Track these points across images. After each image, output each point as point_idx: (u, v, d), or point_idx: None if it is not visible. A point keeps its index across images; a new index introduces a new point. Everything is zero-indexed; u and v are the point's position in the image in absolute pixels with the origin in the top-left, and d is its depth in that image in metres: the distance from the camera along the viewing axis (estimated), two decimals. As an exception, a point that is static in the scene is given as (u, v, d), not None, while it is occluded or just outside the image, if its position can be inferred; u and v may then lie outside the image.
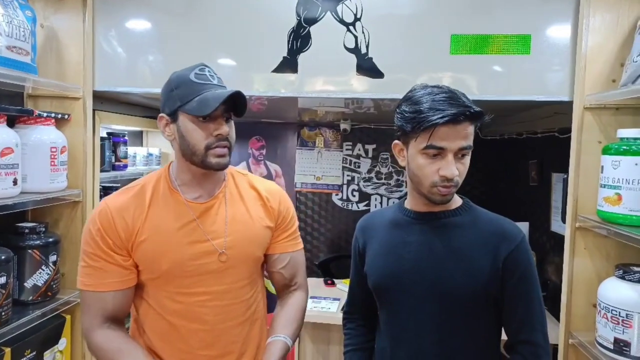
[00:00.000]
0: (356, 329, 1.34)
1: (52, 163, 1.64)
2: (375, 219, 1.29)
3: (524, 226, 2.43)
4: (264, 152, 3.82)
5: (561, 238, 2.38)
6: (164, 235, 1.17)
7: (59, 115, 1.72)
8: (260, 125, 3.79)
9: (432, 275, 1.12)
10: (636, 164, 1.31)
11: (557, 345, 1.73)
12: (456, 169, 1.07)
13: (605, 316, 1.37)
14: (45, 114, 1.64)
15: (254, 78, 1.79)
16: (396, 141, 1.17)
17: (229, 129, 1.16)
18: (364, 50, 1.70)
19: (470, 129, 1.07)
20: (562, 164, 2.36)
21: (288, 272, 1.34)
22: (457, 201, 1.20)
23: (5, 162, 1.44)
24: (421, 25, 1.68)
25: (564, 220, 1.74)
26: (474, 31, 1.65)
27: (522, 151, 2.99)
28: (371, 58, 1.70)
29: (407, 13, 1.69)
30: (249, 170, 3.83)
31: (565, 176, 1.71)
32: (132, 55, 1.85)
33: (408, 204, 1.22)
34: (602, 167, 1.43)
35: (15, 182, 1.48)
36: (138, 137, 2.85)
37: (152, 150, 2.75)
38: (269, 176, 3.82)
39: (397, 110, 1.14)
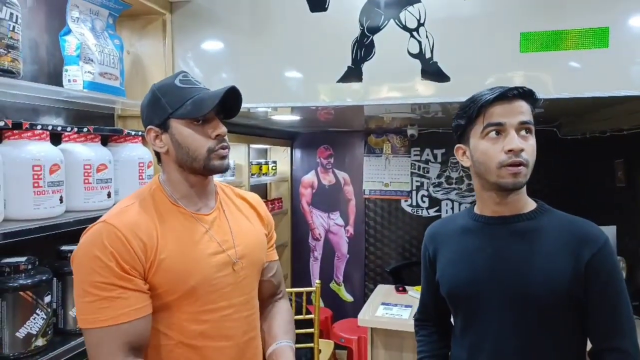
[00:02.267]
0: (429, 336, 1.33)
1: (140, 177, 1.79)
2: (445, 226, 1.27)
3: (610, 230, 2.27)
4: (332, 160, 3.88)
5: (654, 243, 2.20)
6: (186, 250, 1.08)
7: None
8: (328, 134, 3.86)
9: (511, 281, 1.08)
10: None
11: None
12: (521, 143, 1.04)
13: None
14: (133, 132, 1.80)
15: (320, 89, 1.85)
16: (457, 145, 1.18)
17: (225, 129, 1.11)
18: (428, 55, 1.70)
19: (526, 107, 1.07)
20: (652, 163, 2.18)
21: (277, 279, 1.32)
22: (530, 204, 1.14)
23: (100, 177, 1.59)
24: (487, 25, 1.65)
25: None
26: (545, 27, 1.58)
27: (606, 150, 2.80)
28: (436, 62, 1.69)
29: (472, 14, 1.66)
30: (318, 178, 3.91)
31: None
32: (208, 74, 1.98)
33: (478, 209, 1.19)
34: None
35: (109, 195, 1.63)
36: (213, 150, 3.01)
37: (227, 162, 2.89)
38: (337, 184, 3.88)
39: (453, 118, 1.18)
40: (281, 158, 3.93)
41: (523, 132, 1.06)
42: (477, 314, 1.14)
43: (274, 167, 3.70)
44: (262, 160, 3.55)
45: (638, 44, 1.53)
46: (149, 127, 1.12)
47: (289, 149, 3.96)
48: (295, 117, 2.66)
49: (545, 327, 1.07)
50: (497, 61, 1.65)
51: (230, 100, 1.09)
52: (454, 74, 1.69)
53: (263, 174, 3.47)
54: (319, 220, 3.91)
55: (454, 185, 3.63)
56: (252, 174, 3.28)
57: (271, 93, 1.90)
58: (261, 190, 3.79)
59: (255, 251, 1.20)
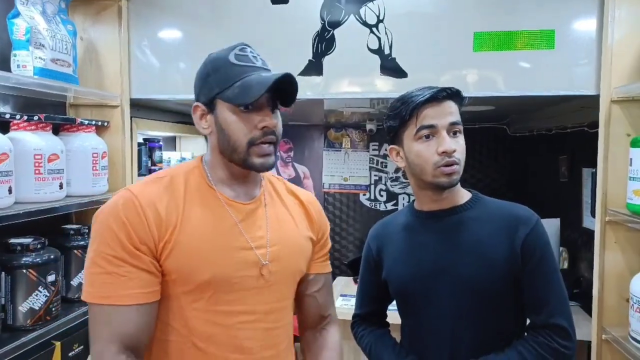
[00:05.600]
0: (370, 326, 1.34)
1: (94, 168, 1.74)
2: (387, 226, 1.29)
3: (554, 222, 2.40)
4: (291, 154, 3.89)
5: (593, 234, 2.34)
6: (208, 237, 0.95)
7: (99, 123, 1.82)
8: (287, 128, 3.83)
9: (456, 272, 1.13)
10: (665, 156, 1.30)
11: (590, 341, 1.72)
12: (453, 144, 1.10)
13: (638, 310, 1.36)
14: (86, 122, 1.74)
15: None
16: (390, 146, 1.21)
17: (276, 120, 0.97)
18: (387, 51, 1.74)
19: (454, 108, 1.13)
20: (592, 159, 2.32)
21: (322, 297, 1.15)
22: (465, 195, 1.21)
23: (52, 168, 1.54)
24: (443, 24, 1.71)
25: (593, 214, 1.73)
26: (497, 28, 1.66)
27: (552, 147, 2.95)
28: (394, 58, 1.74)
29: (430, 12, 1.72)
30: (277, 172, 3.91)
31: (594, 170, 1.70)
32: (165, 64, 1.94)
33: (417, 205, 1.23)
34: (631, 159, 1.42)
35: (61, 186, 1.58)
36: (171, 142, 2.96)
37: (185, 154, 2.85)
38: (297, 178, 3.89)
39: (384, 119, 1.20)
40: (240, 151, 3.89)
41: (453, 133, 1.11)
42: (428, 308, 1.17)
43: (233, 160, 3.66)
44: (221, 153, 3.51)
45: (580, 47, 1.63)
46: (195, 103, 1.01)
47: (248, 142, 3.93)
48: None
49: (493, 308, 1.13)
50: (451, 59, 1.72)
51: (286, 87, 0.96)
52: (411, 70, 1.74)
53: (222, 167, 3.43)
54: (278, 214, 3.91)
55: (410, 180, 3.72)
56: (211, 167, 3.23)
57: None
58: (220, 184, 3.75)
59: (292, 256, 1.05)
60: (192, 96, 1.95)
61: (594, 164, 2.29)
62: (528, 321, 1.18)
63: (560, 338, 1.08)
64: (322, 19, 1.77)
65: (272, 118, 0.96)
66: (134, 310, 0.90)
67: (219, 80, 0.95)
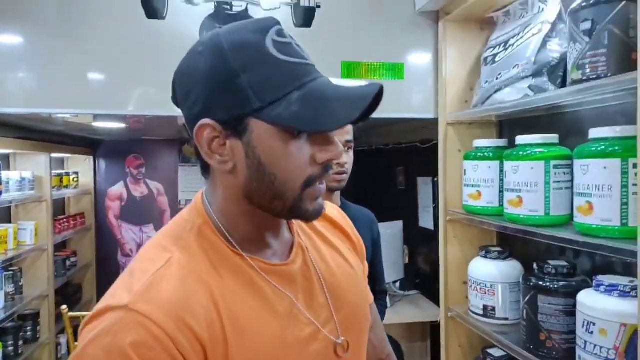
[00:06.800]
0: None
1: None
2: None
3: (398, 224, 2.80)
4: (143, 170, 3.70)
5: (428, 232, 2.81)
6: (271, 341, 0.62)
7: None
8: (138, 143, 3.66)
9: None
10: (489, 167, 1.68)
11: (436, 321, 2.08)
12: (345, 157, 1.46)
13: (475, 289, 1.71)
14: None
15: (133, 95, 1.81)
16: None
17: (343, 148, 0.67)
18: (265, 73, 1.85)
19: (350, 127, 1.46)
20: (425, 169, 2.80)
21: (376, 335, 0.87)
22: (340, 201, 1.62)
23: None
24: (317, 53, 1.88)
25: (436, 216, 2.10)
26: (361, 59, 1.92)
27: (389, 160, 3.42)
28: (274, 80, 1.86)
29: (304, 40, 1.88)
30: (128, 190, 3.67)
31: (435, 179, 2.08)
32: (5, 73, 1.73)
33: None
34: (465, 170, 1.78)
35: None
36: (5, 161, 2.56)
37: (25, 174, 2.50)
38: (150, 195, 3.71)
39: None
40: (82, 169, 3.55)
41: (347, 149, 1.44)
42: None
43: (75, 179, 3.32)
44: (62, 171, 3.16)
45: (422, 78, 1.98)
46: (204, 121, 0.61)
47: (91, 158, 3.60)
48: (120, 125, 2.48)
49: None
50: (322, 83, 1.92)
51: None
52: (288, 92, 1.89)
53: (64, 187, 3.09)
54: (129, 235, 3.66)
55: (267, 193, 3.88)
56: (52, 187, 2.89)
57: (84, 98, 1.77)
58: (59, 206, 3.35)
59: (360, 311, 0.76)
60: (37, 110, 1.80)
61: (427, 174, 2.76)
62: None
63: (385, 298, 1.74)
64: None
65: (340, 146, 0.64)
66: None
67: (260, 87, 0.59)
